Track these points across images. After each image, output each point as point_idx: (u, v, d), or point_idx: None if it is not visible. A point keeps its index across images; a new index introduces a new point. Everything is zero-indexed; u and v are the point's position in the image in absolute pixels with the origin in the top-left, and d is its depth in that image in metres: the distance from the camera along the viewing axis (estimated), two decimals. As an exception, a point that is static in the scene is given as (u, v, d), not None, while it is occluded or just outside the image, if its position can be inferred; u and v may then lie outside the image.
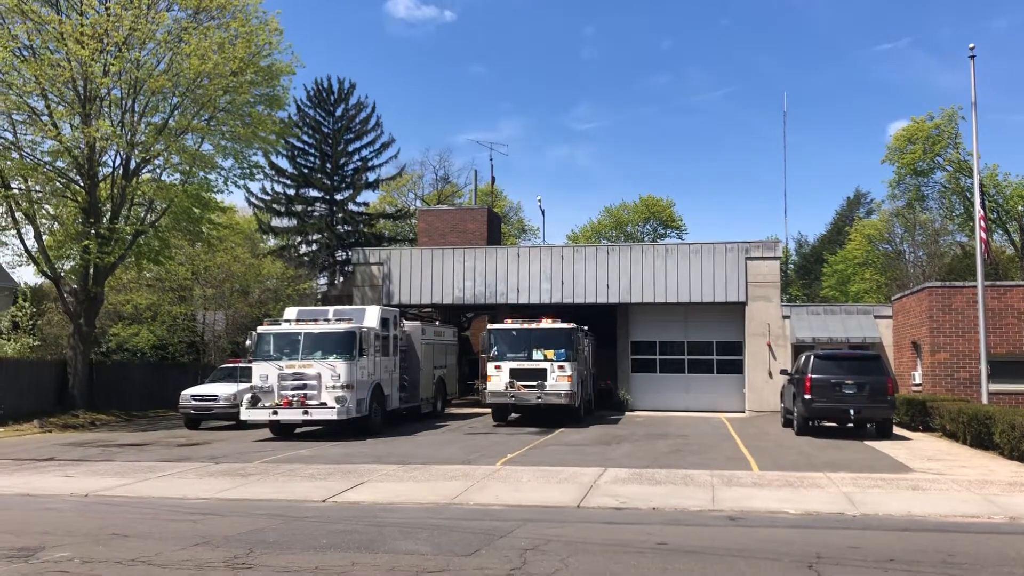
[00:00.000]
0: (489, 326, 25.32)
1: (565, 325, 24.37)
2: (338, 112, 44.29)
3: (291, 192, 43.73)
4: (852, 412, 20.46)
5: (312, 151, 43.96)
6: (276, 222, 43.87)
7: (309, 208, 43.79)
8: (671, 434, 22.25)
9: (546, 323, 24.47)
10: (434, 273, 31.97)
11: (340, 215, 43.64)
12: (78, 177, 26.96)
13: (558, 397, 23.53)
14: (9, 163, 25.78)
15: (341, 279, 42.36)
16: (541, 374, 23.76)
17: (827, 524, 10.56)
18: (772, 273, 30.16)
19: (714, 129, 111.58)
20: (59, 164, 26.77)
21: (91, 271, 27.56)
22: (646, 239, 68.82)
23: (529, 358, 23.99)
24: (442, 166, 61.03)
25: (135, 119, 26.81)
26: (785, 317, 29.86)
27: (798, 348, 28.10)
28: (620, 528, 10.29)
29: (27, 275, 37.66)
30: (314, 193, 44.05)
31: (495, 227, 38.03)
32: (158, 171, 28.54)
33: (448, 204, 49.82)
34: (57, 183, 26.89)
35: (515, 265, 31.52)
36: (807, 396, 20.73)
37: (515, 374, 23.92)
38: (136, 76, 25.80)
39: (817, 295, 57.79)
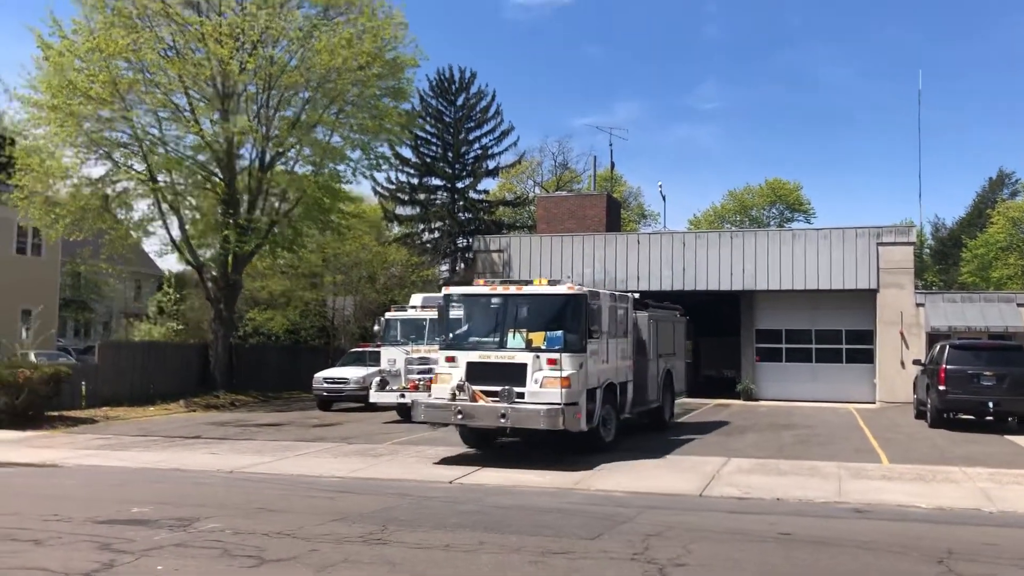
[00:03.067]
0: (445, 290, 16.08)
1: (566, 290, 14.93)
2: (459, 102, 45.06)
3: (415, 181, 44.84)
4: (991, 405, 19.57)
5: (434, 140, 44.91)
6: (400, 210, 45.05)
7: (432, 196, 44.78)
8: (797, 424, 21.81)
9: (535, 287, 15.22)
10: (552, 260, 32.21)
11: (461, 203, 44.47)
12: (218, 170, 28.45)
13: (537, 416, 13.94)
14: (156, 158, 27.42)
15: (462, 266, 43.18)
16: (514, 373, 14.34)
17: (961, 520, 10.24)
18: (905, 259, 29.00)
19: (844, 108, 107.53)
20: (200, 158, 28.29)
21: (230, 259, 29.05)
22: (772, 224, 67.12)
23: (501, 345, 14.78)
24: (561, 152, 61.09)
25: (270, 114, 28.06)
26: (919, 305, 28.68)
27: (933, 337, 26.96)
28: (742, 517, 10.28)
29: (171, 263, 39.93)
30: (436, 182, 45.04)
31: (614, 213, 37.93)
32: (291, 163, 29.79)
33: (567, 190, 49.96)
34: (199, 176, 28.44)
35: (635, 251, 31.40)
36: (941, 387, 19.93)
37: (473, 372, 14.64)
38: (270, 72, 26.98)
39: (955, 281, 55.09)
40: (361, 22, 27.68)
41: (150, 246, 41.33)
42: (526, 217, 50.80)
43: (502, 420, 14.09)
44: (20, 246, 36.56)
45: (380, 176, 43.23)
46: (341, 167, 29.92)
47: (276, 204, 30.25)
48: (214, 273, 30.04)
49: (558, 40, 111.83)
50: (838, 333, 30.32)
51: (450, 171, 44.63)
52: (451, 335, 15.31)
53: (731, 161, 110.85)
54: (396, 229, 46.03)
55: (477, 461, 14.61)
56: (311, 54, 26.85)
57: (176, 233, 29.17)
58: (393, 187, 44.49)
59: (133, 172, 27.84)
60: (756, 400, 29.81)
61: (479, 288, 15.68)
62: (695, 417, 23.24)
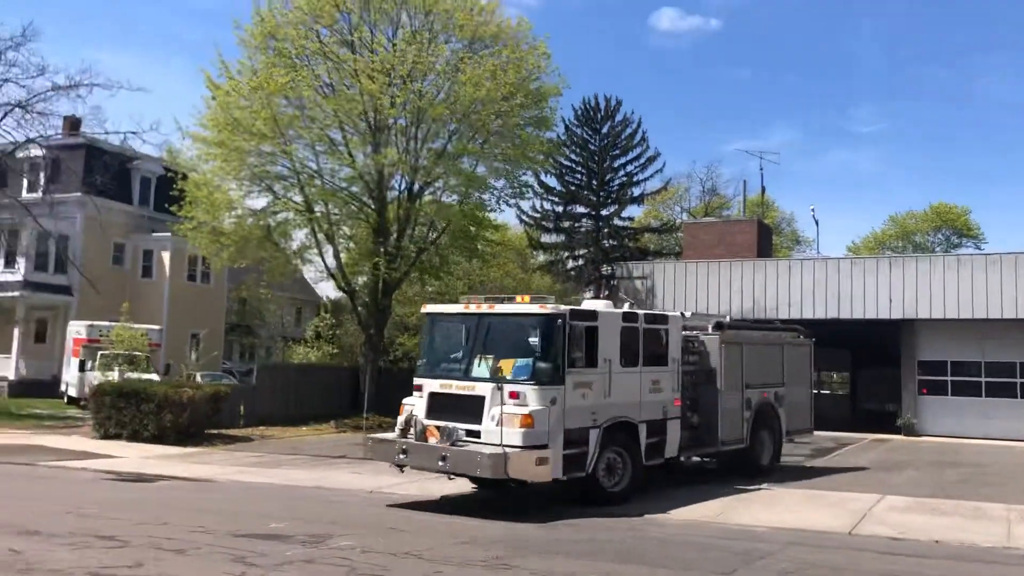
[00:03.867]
0: (424, 309, 14.83)
1: (538, 309, 12.67)
2: (604, 129, 45.01)
3: (559, 209, 45.01)
4: None
5: (579, 168, 45.00)
6: (545, 238, 45.31)
7: (576, 224, 44.82)
8: (962, 463, 20.24)
9: (507, 306, 13.16)
10: (699, 287, 31.46)
11: (605, 230, 44.28)
12: (369, 200, 29.50)
13: (476, 461, 11.86)
14: (313, 190, 28.74)
15: (605, 293, 42.92)
16: (472, 407, 12.48)
17: None
18: (1089, 285, 26.54)
19: (1015, 125, 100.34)
20: (353, 189, 29.42)
21: (380, 286, 29.99)
22: (937, 249, 63.26)
23: (465, 374, 12.98)
24: (709, 178, 59.86)
25: (418, 145, 28.90)
26: (1106, 336, 26.16)
27: (1123, 371, 24.47)
28: (895, 559, 9.57)
29: (328, 290, 41.71)
30: (580, 209, 45.04)
31: (766, 239, 36.73)
32: (438, 193, 30.53)
33: (715, 216, 48.89)
34: (352, 206, 29.59)
35: (785, 278, 30.22)
36: None
37: (433, 403, 13.02)
38: (418, 106, 27.82)
39: None
40: (505, 54, 28.17)
41: (308, 273, 43.24)
42: (673, 244, 50.03)
43: (441, 463, 12.08)
44: (191, 274, 39.15)
45: (525, 204, 43.64)
46: (486, 196, 30.44)
47: (424, 232, 31.05)
48: (365, 299, 31.08)
49: (706, 65, 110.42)
50: (1012, 366, 28.03)
51: (595, 199, 44.56)
52: (423, 360, 13.92)
53: (892, 184, 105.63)
54: (540, 257, 46.33)
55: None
56: (457, 87, 27.51)
57: (331, 261, 30.40)
58: (538, 215, 44.84)
59: (292, 203, 29.28)
60: (918, 436, 27.91)
61: (452, 307, 14.06)
62: (838, 457, 21.66)
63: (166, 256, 40.13)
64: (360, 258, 29.99)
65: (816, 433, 19.91)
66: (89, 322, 32.55)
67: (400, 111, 28.21)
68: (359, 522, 11.04)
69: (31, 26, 29.58)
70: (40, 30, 38.12)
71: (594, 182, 44.52)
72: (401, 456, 12.71)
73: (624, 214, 45.12)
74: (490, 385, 12.27)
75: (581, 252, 44.34)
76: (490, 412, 12.15)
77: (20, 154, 33.63)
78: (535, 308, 12.68)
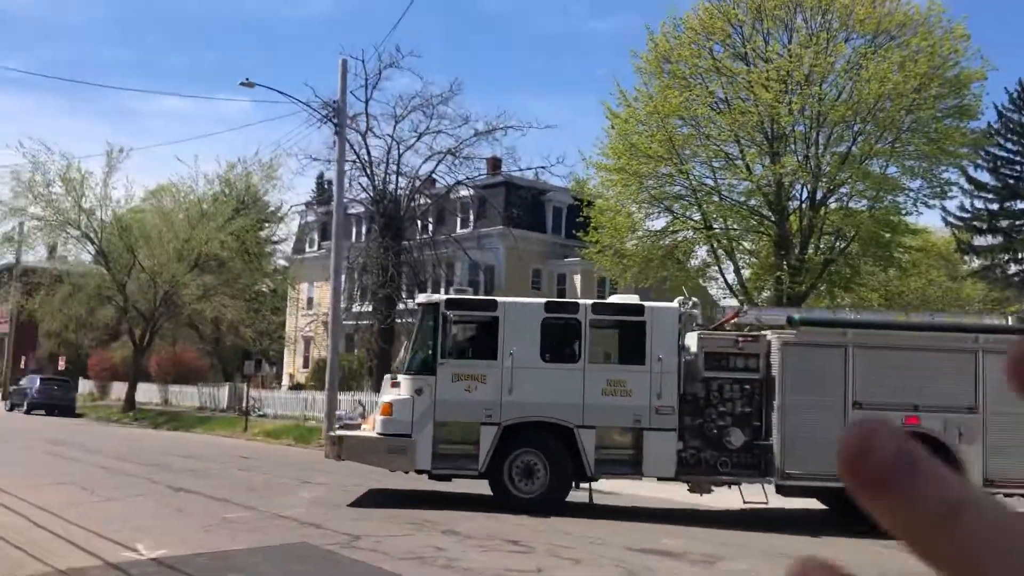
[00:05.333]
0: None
1: (424, 299, 13.25)
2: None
3: (994, 207, 40.00)
4: None
5: (1019, 159, 39.61)
6: (978, 240, 40.52)
7: (1017, 223, 39.45)
8: None
9: (425, 296, 13.97)
10: None
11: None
12: (769, 213, 28.74)
13: (328, 445, 13.40)
14: (710, 206, 28.77)
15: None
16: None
17: None
18: None
19: None
20: (752, 203, 28.92)
21: (784, 300, 28.99)
22: None
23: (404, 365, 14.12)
24: None
25: (818, 151, 27.56)
26: None
27: None
28: None
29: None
30: (1022, 205, 39.56)
31: None
32: (844, 199, 28.81)
33: None
34: (751, 220, 29.07)
35: None
36: None
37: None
38: (817, 110, 26.56)
39: None
40: (914, 43, 25.80)
41: (712, 291, 43.25)
42: None
43: (340, 454, 12.69)
44: (600, 295, 41.13)
45: (951, 204, 39.44)
46: (900, 198, 28.08)
47: (831, 242, 29.45)
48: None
49: None
50: None
51: (1040, 192, 38.89)
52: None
53: None
54: (974, 262, 41.43)
55: None
56: (859, 85, 25.81)
57: (731, 277, 30.16)
58: (967, 215, 40.30)
59: (690, 222, 29.59)
60: None
61: (431, 296, 13.70)
62: None
63: (577, 279, 42.75)
64: (762, 272, 29.32)
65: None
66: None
67: (798, 117, 27.21)
68: (753, 545, 10.66)
69: (456, 82, 33.14)
70: (463, 84, 42.85)
71: (1038, 173, 38.89)
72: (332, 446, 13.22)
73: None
74: (388, 376, 13.50)
75: (1024, 255, 38.91)
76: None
77: (452, 195, 38.22)
78: (423, 298, 13.03)
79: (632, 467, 12.42)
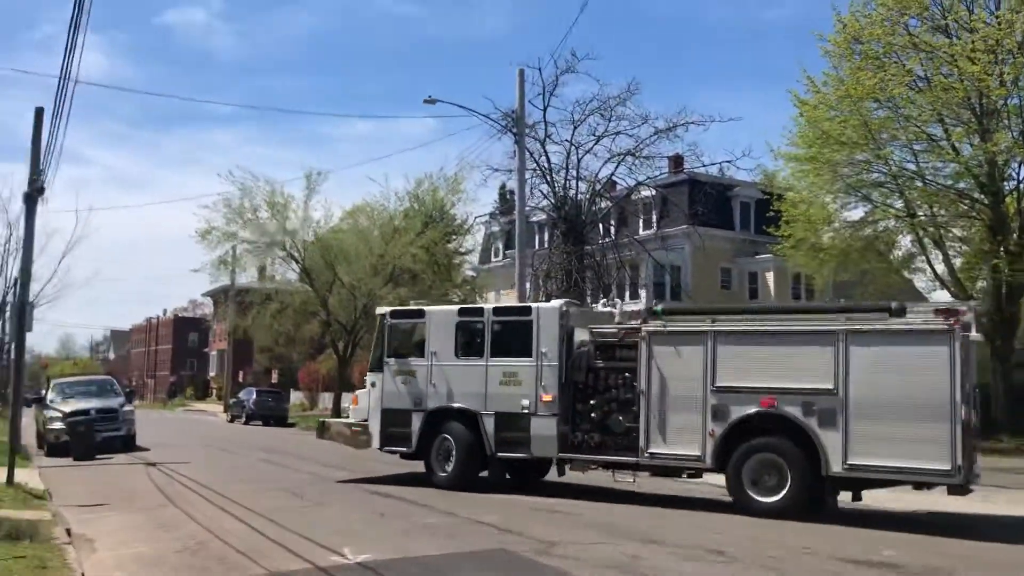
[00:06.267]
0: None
1: (378, 310, 17.36)
2: None
3: None
4: None
5: None
6: None
7: None
8: None
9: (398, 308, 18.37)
10: None
11: None
12: (981, 196, 26.47)
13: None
14: (914, 192, 26.85)
15: None
16: None
17: None
18: None
19: None
20: (960, 186, 26.77)
21: (1003, 290, 26.60)
22: None
23: None
24: None
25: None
26: None
27: None
28: None
29: (942, 298, 38.31)
30: None
31: None
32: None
33: None
34: (960, 205, 26.90)
35: None
36: None
37: None
38: (1037, 79, 24.21)
39: None
40: None
41: (919, 283, 40.47)
42: None
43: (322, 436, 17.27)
44: (795, 292, 39.39)
45: None
46: None
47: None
48: (987, 308, 27.81)
49: None
50: None
51: None
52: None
53: None
54: None
55: None
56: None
57: (940, 268, 28.03)
58: None
59: (891, 210, 27.76)
60: None
61: (380, 309, 17.12)
62: None
63: (770, 277, 41.16)
64: (976, 261, 27.06)
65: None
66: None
67: (1012, 89, 24.93)
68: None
69: (633, 82, 32.67)
70: (640, 84, 42.32)
71: None
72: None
73: None
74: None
75: None
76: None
77: (634, 196, 37.76)
78: (378, 310, 16.43)
79: (524, 448, 14.05)
